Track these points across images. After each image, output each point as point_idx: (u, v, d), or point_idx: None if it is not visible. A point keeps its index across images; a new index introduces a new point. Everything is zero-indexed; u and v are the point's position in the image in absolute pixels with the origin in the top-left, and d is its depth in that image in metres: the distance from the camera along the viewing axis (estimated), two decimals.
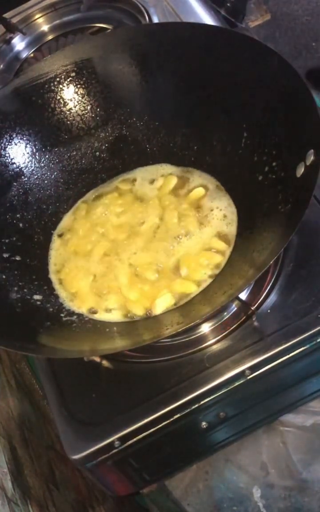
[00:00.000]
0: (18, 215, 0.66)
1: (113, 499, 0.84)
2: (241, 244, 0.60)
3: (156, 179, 0.68)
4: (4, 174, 0.66)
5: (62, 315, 0.60)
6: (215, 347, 0.56)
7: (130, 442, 0.53)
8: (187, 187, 0.67)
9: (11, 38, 0.99)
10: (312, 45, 1.24)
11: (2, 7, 1.02)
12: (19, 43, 1.00)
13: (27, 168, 0.67)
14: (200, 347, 0.57)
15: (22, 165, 0.67)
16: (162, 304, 0.58)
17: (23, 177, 0.67)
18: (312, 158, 0.49)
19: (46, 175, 0.69)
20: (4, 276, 0.60)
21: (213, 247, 0.61)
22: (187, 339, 0.58)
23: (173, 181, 0.67)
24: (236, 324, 0.57)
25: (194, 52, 0.62)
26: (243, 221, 0.61)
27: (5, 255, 0.62)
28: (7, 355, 0.88)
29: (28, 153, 0.67)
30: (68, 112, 0.69)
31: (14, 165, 0.66)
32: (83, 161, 0.71)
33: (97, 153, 0.71)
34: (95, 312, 0.60)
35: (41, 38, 0.99)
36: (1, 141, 0.65)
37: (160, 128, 0.69)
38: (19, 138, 0.66)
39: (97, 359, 0.58)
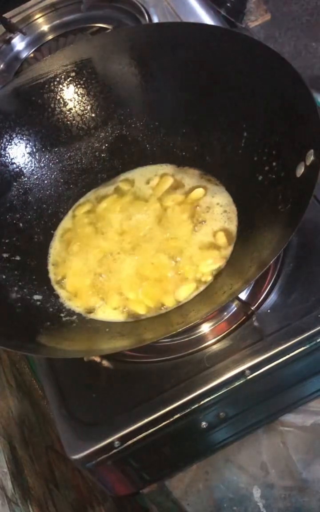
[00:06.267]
0: (18, 215, 0.66)
1: (113, 499, 0.83)
2: (241, 243, 0.60)
3: (152, 179, 0.68)
4: (4, 174, 0.66)
5: (62, 315, 0.60)
6: (215, 347, 0.56)
7: (130, 442, 0.53)
8: (187, 187, 0.67)
9: (11, 38, 0.99)
10: (312, 45, 1.24)
11: (2, 7, 1.02)
12: (19, 43, 1.00)
13: (27, 168, 0.67)
14: (200, 347, 0.57)
15: (22, 165, 0.67)
16: (185, 292, 0.58)
17: (23, 177, 0.67)
18: (312, 158, 0.49)
19: (46, 175, 0.69)
20: (4, 276, 0.60)
21: (213, 247, 0.61)
22: (187, 339, 0.58)
23: (169, 181, 0.67)
24: (236, 324, 0.57)
25: (194, 52, 0.62)
26: (243, 220, 0.61)
27: (5, 255, 0.62)
28: (7, 355, 0.88)
29: (28, 153, 0.67)
30: (68, 112, 0.69)
31: (14, 165, 0.66)
32: (83, 161, 0.71)
33: (97, 153, 0.71)
34: (92, 312, 0.60)
35: (41, 38, 0.99)
36: (1, 141, 0.65)
37: (160, 128, 0.69)
38: (19, 138, 0.66)
39: (97, 359, 0.58)
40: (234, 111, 0.62)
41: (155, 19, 0.87)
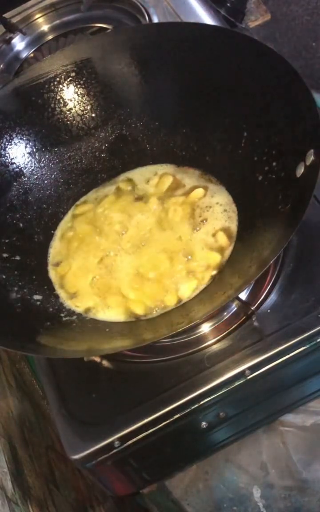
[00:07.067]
0: (18, 215, 0.66)
1: (113, 499, 0.84)
2: (241, 243, 0.60)
3: (152, 179, 0.69)
4: (4, 174, 0.66)
5: (62, 315, 0.60)
6: (215, 347, 0.56)
7: (130, 442, 0.53)
8: (187, 186, 0.67)
9: (11, 38, 0.99)
10: (312, 45, 1.24)
11: (2, 7, 1.02)
12: (19, 43, 1.00)
13: (27, 168, 0.67)
14: (200, 347, 0.57)
15: (22, 165, 0.67)
16: (185, 292, 0.58)
17: (23, 177, 0.67)
18: (312, 158, 0.49)
19: (46, 175, 0.69)
20: (4, 276, 0.60)
21: (214, 246, 0.61)
22: (187, 339, 0.58)
23: (169, 180, 0.67)
24: (236, 324, 0.57)
25: (194, 52, 0.62)
26: (243, 220, 0.61)
27: (5, 255, 0.62)
28: (7, 355, 0.88)
29: (28, 153, 0.67)
30: (68, 112, 0.69)
31: (14, 165, 0.66)
32: (83, 161, 0.71)
33: (97, 153, 0.71)
34: (92, 312, 0.60)
35: (41, 38, 0.99)
36: (1, 141, 0.65)
37: (160, 128, 0.69)
38: (19, 138, 0.66)
39: (97, 359, 0.58)
40: (234, 111, 0.62)
41: (155, 19, 0.87)
